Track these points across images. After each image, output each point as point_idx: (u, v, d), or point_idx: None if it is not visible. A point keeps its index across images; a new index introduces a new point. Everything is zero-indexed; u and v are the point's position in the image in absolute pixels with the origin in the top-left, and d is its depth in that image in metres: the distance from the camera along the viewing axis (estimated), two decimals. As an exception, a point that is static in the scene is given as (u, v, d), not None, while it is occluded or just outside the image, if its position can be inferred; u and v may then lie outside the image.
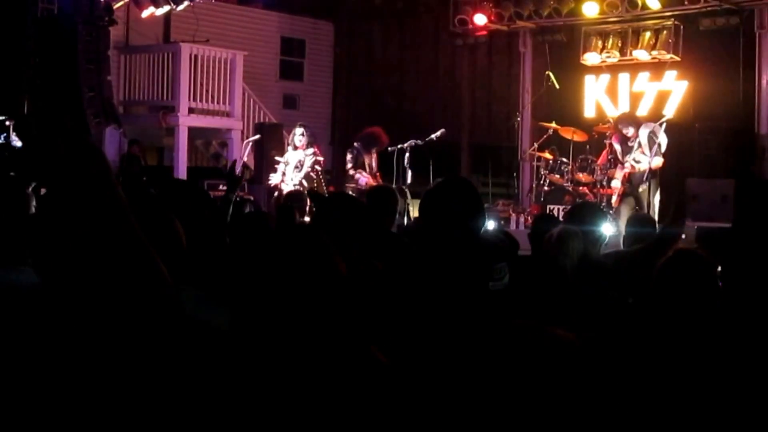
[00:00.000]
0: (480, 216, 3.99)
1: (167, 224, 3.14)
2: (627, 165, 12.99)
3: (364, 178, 13.39)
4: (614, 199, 13.10)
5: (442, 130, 13.90)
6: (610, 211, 12.61)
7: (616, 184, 13.17)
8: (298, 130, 13.48)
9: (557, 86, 15.55)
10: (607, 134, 13.92)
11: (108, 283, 1.70)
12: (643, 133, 12.94)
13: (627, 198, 12.98)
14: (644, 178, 12.77)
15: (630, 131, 13.00)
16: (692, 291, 3.52)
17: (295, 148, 13.39)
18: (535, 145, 15.00)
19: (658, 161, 12.88)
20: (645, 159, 12.81)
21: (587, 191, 14.08)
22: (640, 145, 12.92)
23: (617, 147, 13.24)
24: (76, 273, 1.71)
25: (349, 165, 13.59)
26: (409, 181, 13.71)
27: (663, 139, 12.90)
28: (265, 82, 20.12)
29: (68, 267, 1.72)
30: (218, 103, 17.96)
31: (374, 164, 13.73)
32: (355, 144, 13.69)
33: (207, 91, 17.68)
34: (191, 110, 17.49)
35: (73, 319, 1.74)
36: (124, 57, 17.87)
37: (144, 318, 1.70)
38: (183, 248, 3.17)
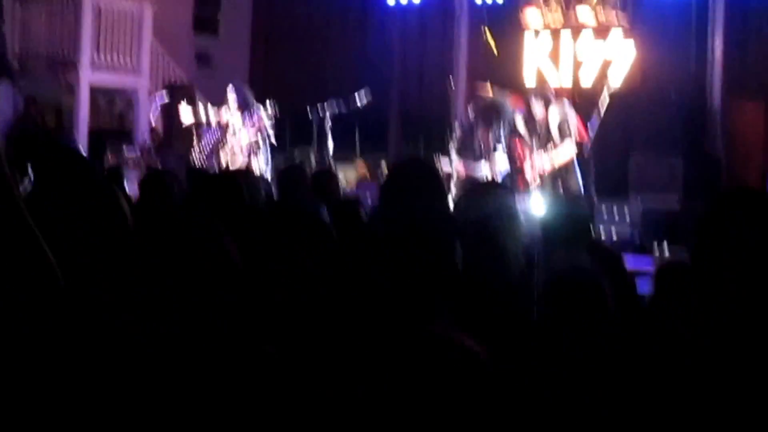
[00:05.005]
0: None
1: (109, 199, 2.83)
2: (541, 162, 10.57)
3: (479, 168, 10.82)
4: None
5: (366, 87, 12.97)
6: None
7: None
8: (230, 92, 11.93)
9: (495, 50, 14.61)
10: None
11: None
12: (554, 119, 10.61)
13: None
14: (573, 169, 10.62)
15: (539, 111, 10.59)
16: (576, 317, 3.27)
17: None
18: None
19: (570, 151, 10.58)
20: (560, 152, 10.50)
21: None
22: (549, 133, 10.55)
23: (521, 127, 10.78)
24: None
25: (456, 145, 11.06)
26: (331, 152, 12.47)
27: (573, 121, 10.71)
28: (176, 36, 18.88)
29: None
30: (124, 58, 17.24)
31: (490, 140, 10.96)
32: (470, 115, 11.34)
33: (111, 45, 17.03)
34: (94, 66, 16.80)
35: None
36: (18, 5, 17.09)
37: (25, 308, 1.66)
38: (128, 226, 2.96)
